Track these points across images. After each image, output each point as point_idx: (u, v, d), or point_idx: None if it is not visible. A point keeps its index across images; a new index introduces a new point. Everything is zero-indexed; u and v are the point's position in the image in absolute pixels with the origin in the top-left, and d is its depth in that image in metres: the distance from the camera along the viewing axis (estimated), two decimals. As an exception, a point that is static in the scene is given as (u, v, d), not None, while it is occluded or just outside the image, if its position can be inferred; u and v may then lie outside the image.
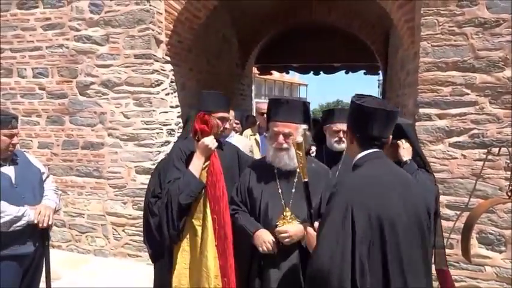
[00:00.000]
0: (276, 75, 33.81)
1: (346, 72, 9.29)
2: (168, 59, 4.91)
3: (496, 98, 3.87)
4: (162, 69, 4.77)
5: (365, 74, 9.29)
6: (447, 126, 3.97)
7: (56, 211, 2.73)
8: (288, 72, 10.00)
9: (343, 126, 3.00)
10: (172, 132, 5.09)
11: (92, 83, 4.74)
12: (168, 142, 4.98)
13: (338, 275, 1.50)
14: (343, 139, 2.98)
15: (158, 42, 4.66)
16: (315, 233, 1.86)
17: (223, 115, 2.64)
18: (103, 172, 4.79)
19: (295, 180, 2.33)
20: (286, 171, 2.33)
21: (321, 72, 9.40)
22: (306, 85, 44.92)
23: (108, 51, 4.64)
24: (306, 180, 2.04)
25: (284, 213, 2.27)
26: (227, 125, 2.83)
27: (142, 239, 4.64)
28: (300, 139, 2.10)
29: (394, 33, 6.47)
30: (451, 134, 3.96)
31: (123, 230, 4.79)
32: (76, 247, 4.89)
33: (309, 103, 2.38)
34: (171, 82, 5.03)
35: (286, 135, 2.27)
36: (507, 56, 3.82)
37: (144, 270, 4.55)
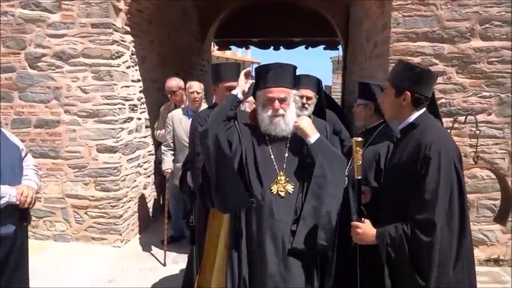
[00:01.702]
0: (227, 53, 33.33)
1: (306, 48, 9.26)
2: (128, 29, 4.57)
3: (463, 68, 3.96)
4: (122, 40, 4.44)
5: (324, 49, 9.31)
6: (416, 97, 4.02)
7: (37, 192, 2.46)
8: (248, 48, 9.81)
9: (307, 92, 3.02)
10: (135, 108, 4.80)
11: (44, 55, 4.31)
12: (131, 118, 4.69)
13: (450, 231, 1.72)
14: (306, 105, 3.01)
15: (117, 10, 4.30)
16: (366, 229, 1.91)
17: (231, 84, 2.54)
18: (60, 152, 4.43)
19: (288, 144, 2.26)
20: (278, 137, 2.24)
21: (281, 48, 9.29)
22: (259, 63, 44.64)
23: (60, 20, 4.22)
24: (359, 177, 1.98)
25: (278, 178, 2.20)
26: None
27: (107, 221, 4.43)
28: (358, 138, 2.01)
29: (356, 7, 6.47)
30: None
31: (85, 213, 4.49)
32: (33, 233, 4.53)
33: (295, 67, 2.27)
34: (132, 54, 4.70)
35: (282, 100, 2.17)
36: (473, 26, 3.91)
37: (110, 252, 4.33)
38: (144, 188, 5.11)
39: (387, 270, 1.84)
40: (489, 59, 3.93)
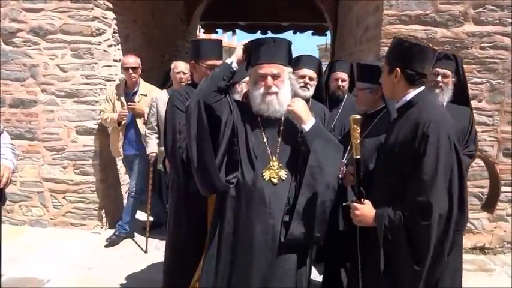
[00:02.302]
0: (213, 37, 32.87)
1: (294, 33, 9.10)
2: (110, 5, 4.34)
3: (455, 53, 3.86)
4: (103, 17, 4.21)
5: (313, 34, 9.16)
6: (408, 82, 3.94)
7: (13, 172, 2.28)
8: (234, 32, 9.58)
9: (309, 72, 2.92)
10: (117, 89, 4.58)
11: (19, 30, 4.07)
12: (112, 100, 4.48)
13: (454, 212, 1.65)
14: (309, 86, 2.91)
15: (98, -16, 4.08)
16: (365, 210, 1.84)
17: (213, 62, 2.43)
18: (37, 133, 4.21)
19: (281, 127, 2.12)
20: (271, 119, 2.09)
21: (269, 32, 9.10)
22: (245, 51, 44.10)
23: (37, -8, 3.98)
24: (358, 157, 1.89)
25: (271, 163, 2.07)
26: None
27: (87, 206, 4.26)
28: (357, 116, 1.93)
29: (346, -9, 6.33)
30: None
31: (63, 198, 4.31)
32: (8, 218, 4.33)
33: (291, 42, 2.12)
34: (114, 33, 4.48)
35: (275, 77, 2.02)
36: (467, 10, 3.82)
37: (90, 238, 4.17)
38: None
39: (383, 253, 1.77)
40: (481, 44, 3.86)
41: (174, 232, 2.66)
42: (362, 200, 1.88)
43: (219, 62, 2.47)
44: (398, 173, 1.78)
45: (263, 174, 2.05)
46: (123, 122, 3.99)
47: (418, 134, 1.71)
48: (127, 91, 4.09)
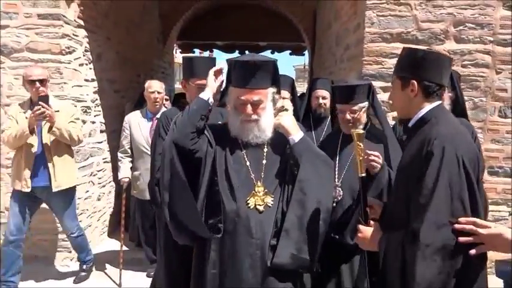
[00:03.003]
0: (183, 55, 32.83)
1: (272, 52, 9.07)
2: (81, 23, 4.13)
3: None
4: (74, 35, 4.00)
5: (290, 54, 9.16)
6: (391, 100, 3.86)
7: None
8: (212, 51, 9.49)
9: (284, 94, 2.73)
10: (88, 111, 4.34)
11: (-19, 48, 3.80)
12: (84, 122, 4.22)
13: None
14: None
15: (68, 1, 3.87)
16: (368, 233, 1.69)
17: (202, 82, 2.21)
18: (0, 159, 3.90)
19: (265, 149, 1.95)
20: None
21: (247, 52, 9.03)
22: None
23: (2, 9, 3.73)
24: (363, 175, 1.73)
25: (256, 189, 1.89)
26: None
27: (54, 238, 3.93)
28: (360, 130, 1.77)
29: (324, 9, 6.33)
30: (394, 107, 3.85)
31: (28, 229, 3.94)
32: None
33: (277, 61, 1.96)
34: (86, 51, 4.26)
35: (256, 104, 1.85)
36: (448, 28, 3.80)
37: (59, 273, 3.83)
38: (98, 200, 4.63)
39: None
40: (463, 62, 3.83)
41: (167, 264, 2.42)
42: (368, 221, 1.72)
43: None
44: (407, 196, 1.59)
45: (247, 202, 1.87)
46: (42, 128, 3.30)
47: (423, 153, 1.53)
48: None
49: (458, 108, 2.94)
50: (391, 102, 1.94)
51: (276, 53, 9.04)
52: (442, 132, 1.54)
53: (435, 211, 1.45)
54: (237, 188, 1.88)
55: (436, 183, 1.46)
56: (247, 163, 1.93)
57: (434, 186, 1.46)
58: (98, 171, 4.59)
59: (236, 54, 9.10)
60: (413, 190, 1.53)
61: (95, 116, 4.47)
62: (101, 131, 4.65)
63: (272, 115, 1.93)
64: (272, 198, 1.89)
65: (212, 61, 2.38)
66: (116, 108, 5.07)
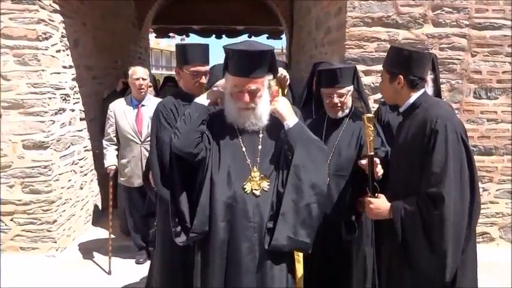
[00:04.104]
0: (162, 44, 31.96)
1: (249, 36, 8.99)
2: (57, 7, 3.99)
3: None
4: (50, 20, 3.85)
5: (268, 38, 9.13)
6: (372, 83, 3.95)
7: None
8: (188, 35, 9.32)
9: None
10: (67, 98, 4.23)
11: (-48, 35, 3.62)
12: (63, 110, 4.12)
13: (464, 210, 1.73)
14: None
15: (43, -16, 3.72)
16: (379, 203, 1.95)
17: (196, 69, 2.30)
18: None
19: (261, 135, 1.99)
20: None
21: (223, 36, 8.96)
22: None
23: (-29, -8, 3.55)
24: (371, 153, 2.01)
25: (252, 174, 1.93)
26: (203, 80, 2.36)
27: (38, 227, 3.86)
28: (370, 114, 2.06)
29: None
30: (375, 90, 3.94)
31: (11, 220, 3.88)
32: None
33: (273, 49, 1.98)
34: (62, 37, 4.12)
35: (253, 93, 1.88)
36: (426, 12, 3.89)
37: (45, 264, 3.78)
38: (81, 188, 4.55)
39: (400, 245, 1.84)
40: (441, 46, 3.95)
41: (162, 251, 2.43)
42: (376, 194, 1.97)
43: (203, 68, 2.33)
44: (410, 168, 1.87)
45: (244, 186, 1.92)
46: None
47: (427, 131, 1.80)
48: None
49: (435, 89, 3.08)
50: (381, 91, 2.19)
51: (253, 37, 8.97)
52: (440, 113, 1.84)
53: (452, 177, 1.72)
54: (234, 174, 1.92)
55: (447, 155, 1.75)
56: (243, 149, 1.97)
57: (446, 158, 1.74)
58: (80, 159, 4.50)
59: (213, 39, 9.01)
60: (421, 163, 1.80)
61: (74, 104, 4.37)
62: (81, 119, 4.55)
63: (268, 102, 1.96)
64: (268, 183, 1.93)
65: (206, 48, 2.37)
66: (94, 96, 4.96)
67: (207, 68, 2.37)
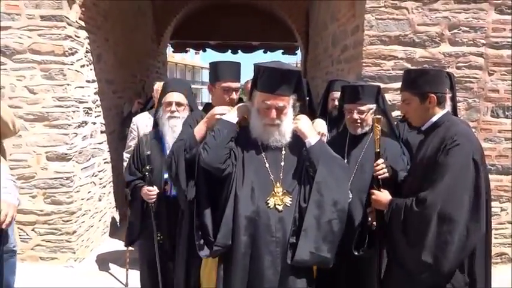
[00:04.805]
0: (177, 57, 32.46)
1: (265, 52, 9.15)
2: (83, 24, 4.14)
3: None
4: (76, 36, 4.00)
5: (283, 53, 9.25)
6: (389, 101, 3.97)
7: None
8: (204, 50, 9.49)
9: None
10: (90, 111, 4.35)
11: (-17, 49, 3.77)
12: (86, 123, 4.24)
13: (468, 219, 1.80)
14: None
15: (70, 2, 3.87)
16: (381, 196, 2.14)
17: (228, 85, 2.38)
18: (2, 161, 3.88)
19: (283, 152, 2.06)
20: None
21: (239, 51, 9.10)
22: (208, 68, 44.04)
23: (4, 10, 3.70)
24: (378, 150, 2.24)
25: (275, 190, 2.00)
26: (234, 96, 2.44)
27: (58, 238, 3.94)
28: (378, 116, 2.30)
29: (319, 10, 6.43)
30: (393, 108, 3.97)
31: (32, 230, 3.97)
32: (-32, 255, 3.92)
33: (301, 72, 2.08)
34: (87, 52, 4.27)
35: (280, 110, 1.96)
36: (443, 31, 3.94)
37: (63, 274, 3.85)
38: (99, 200, 4.65)
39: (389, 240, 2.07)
40: (457, 64, 3.97)
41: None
42: (380, 188, 2.18)
43: (234, 84, 2.41)
44: (424, 182, 1.94)
45: (267, 201, 1.98)
46: None
47: (441, 147, 1.91)
48: None
49: (453, 107, 3.13)
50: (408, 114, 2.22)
51: (268, 53, 9.11)
52: (458, 132, 1.95)
53: (444, 187, 1.83)
54: (258, 189, 1.98)
55: (448, 167, 1.85)
56: (267, 164, 2.04)
57: (446, 169, 1.85)
58: (99, 171, 4.61)
59: (229, 54, 9.15)
60: (432, 171, 1.91)
61: (95, 117, 4.49)
62: (101, 132, 4.66)
63: (291, 120, 2.04)
64: (290, 198, 2.00)
65: (237, 65, 2.47)
66: (114, 109, 5.09)
67: (238, 84, 2.46)
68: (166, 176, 2.56)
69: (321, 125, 2.67)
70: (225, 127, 2.02)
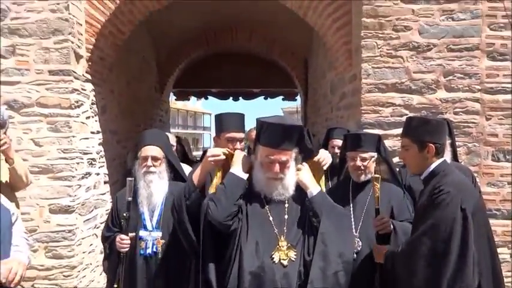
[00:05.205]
0: (179, 104, 33.12)
1: (265, 98, 9.36)
2: (89, 77, 4.28)
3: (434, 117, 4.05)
4: (82, 89, 4.12)
5: (283, 99, 9.45)
6: (390, 147, 4.02)
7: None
8: (206, 98, 9.74)
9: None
10: (94, 162, 4.39)
11: (-8, 104, 3.87)
12: (89, 174, 4.27)
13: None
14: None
15: (78, 57, 4.02)
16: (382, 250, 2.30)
17: (232, 135, 2.45)
18: None
19: (286, 205, 2.07)
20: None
21: (240, 98, 9.31)
22: (210, 114, 44.93)
23: (14, 66, 3.85)
24: (377, 207, 2.46)
25: (279, 244, 1.99)
26: (238, 146, 2.49)
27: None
28: (376, 175, 2.50)
29: (317, 58, 6.65)
30: (393, 154, 4.01)
31: (32, 286, 3.88)
32: (-35, 312, 3.82)
33: (303, 127, 2.13)
34: (92, 104, 4.38)
35: (283, 164, 2.00)
36: (438, 78, 4.05)
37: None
38: (101, 253, 4.56)
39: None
40: (455, 110, 4.05)
41: None
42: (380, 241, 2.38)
43: (238, 135, 2.47)
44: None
45: (272, 256, 1.97)
46: None
47: (432, 198, 2.00)
48: None
49: (453, 153, 3.20)
50: (406, 161, 2.33)
51: (268, 99, 9.32)
52: (448, 182, 2.02)
53: (419, 234, 1.99)
54: (262, 243, 1.97)
55: (431, 214, 1.96)
56: (270, 218, 2.04)
57: (426, 219, 1.98)
58: (101, 223, 4.56)
59: (230, 101, 9.36)
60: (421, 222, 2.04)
61: (99, 168, 4.53)
62: (105, 182, 4.68)
63: (294, 174, 2.07)
64: (295, 253, 1.98)
65: (241, 116, 2.53)
66: (118, 159, 5.14)
67: (241, 134, 2.52)
68: (141, 233, 2.54)
69: (325, 153, 2.69)
70: (235, 183, 2.03)
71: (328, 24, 4.46)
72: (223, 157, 2.13)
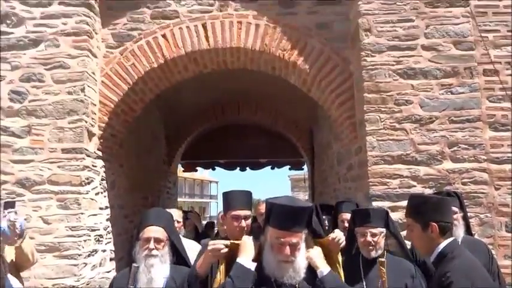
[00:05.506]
0: (185, 173, 33.39)
1: (272, 168, 9.44)
2: (100, 154, 4.39)
3: (440, 189, 4.02)
4: (93, 166, 4.21)
5: (290, 169, 9.52)
6: (400, 219, 3.96)
7: None
8: (214, 169, 9.85)
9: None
10: (101, 239, 4.35)
11: (4, 182, 3.94)
12: (96, 251, 4.21)
13: None
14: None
15: (91, 135, 4.17)
16: None
17: (237, 213, 2.45)
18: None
19: (297, 286, 2.02)
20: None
21: (247, 168, 9.40)
22: (217, 182, 45.02)
23: (28, 145, 3.98)
24: None
25: None
26: (243, 224, 2.48)
27: None
28: (382, 259, 2.38)
29: (322, 130, 6.80)
30: (402, 226, 3.93)
31: None
32: None
33: (313, 207, 2.14)
34: (102, 180, 4.44)
35: (293, 246, 1.98)
36: (443, 149, 4.09)
37: None
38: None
39: None
40: (463, 180, 4.04)
41: None
42: None
43: (243, 212, 2.47)
44: None
45: None
46: None
47: (439, 286, 1.92)
48: None
49: (466, 226, 3.14)
50: (413, 241, 2.29)
51: (275, 169, 9.38)
52: (455, 267, 1.92)
53: None
54: None
55: None
56: None
57: None
58: (105, 302, 4.41)
59: (237, 171, 9.43)
60: None
61: (106, 244, 4.47)
62: (111, 259, 4.59)
63: (304, 255, 2.04)
64: None
65: (247, 194, 2.55)
66: (124, 234, 5.08)
67: (247, 212, 2.51)
68: None
69: (339, 233, 2.65)
70: (244, 276, 1.98)
71: (332, 99, 4.62)
72: (226, 250, 2.10)
